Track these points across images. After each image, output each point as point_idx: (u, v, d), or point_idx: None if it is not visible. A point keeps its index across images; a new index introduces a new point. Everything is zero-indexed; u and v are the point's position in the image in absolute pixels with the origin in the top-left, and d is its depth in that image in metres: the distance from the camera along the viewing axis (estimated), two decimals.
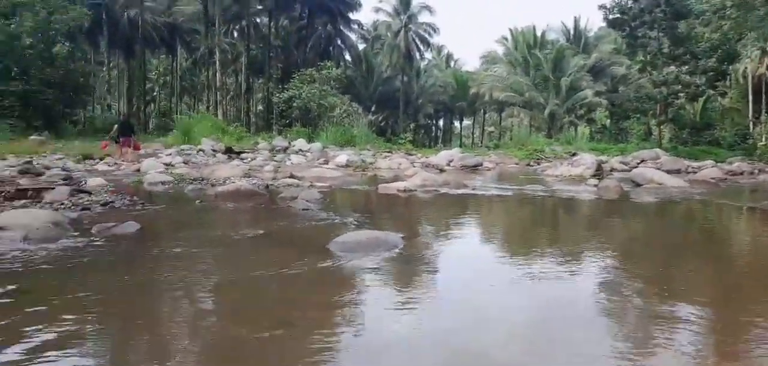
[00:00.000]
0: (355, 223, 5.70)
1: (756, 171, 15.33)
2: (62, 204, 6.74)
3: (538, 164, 18.43)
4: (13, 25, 28.51)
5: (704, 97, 32.94)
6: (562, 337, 2.54)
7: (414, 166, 15.67)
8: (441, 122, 71.82)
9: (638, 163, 18.15)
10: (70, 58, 31.97)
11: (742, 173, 14.77)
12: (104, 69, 44.18)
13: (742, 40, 29.10)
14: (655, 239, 5.72)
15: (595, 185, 10.01)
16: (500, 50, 56.73)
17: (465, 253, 4.58)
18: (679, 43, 30.45)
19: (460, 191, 9.13)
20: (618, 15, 33.76)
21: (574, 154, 19.87)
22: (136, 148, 16.60)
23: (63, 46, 31.57)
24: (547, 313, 2.90)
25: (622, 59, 46.94)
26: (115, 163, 14.33)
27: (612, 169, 14.83)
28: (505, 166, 17.78)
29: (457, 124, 75.61)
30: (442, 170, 14.70)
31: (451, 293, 3.31)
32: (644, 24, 33.02)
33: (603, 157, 16.94)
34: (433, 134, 68.64)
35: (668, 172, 12.06)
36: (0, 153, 15.92)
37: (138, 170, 12.58)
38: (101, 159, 15.18)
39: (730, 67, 31.39)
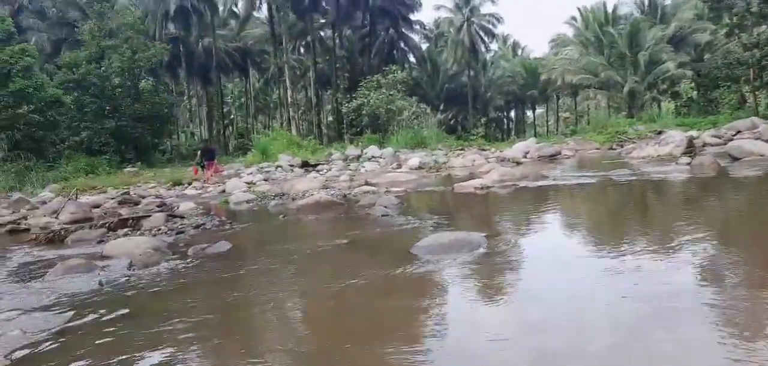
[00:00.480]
0: (435, 224, 5.66)
1: None
2: (159, 229, 7.22)
3: (621, 147, 17.51)
4: (103, 68, 30.97)
5: None
6: (671, 336, 2.37)
7: (489, 162, 15.38)
8: (513, 113, 70.20)
9: (734, 135, 16.80)
10: (155, 91, 34.30)
11: None
12: (185, 98, 46.99)
13: None
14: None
15: (688, 163, 9.35)
16: (570, 32, 54.63)
17: (553, 247, 4.41)
18: None
19: (539, 183, 8.84)
20: None
21: (659, 133, 18.75)
22: (218, 170, 17.60)
23: (147, 82, 33.96)
24: (655, 308, 2.71)
25: (706, 25, 43.69)
26: (202, 187, 15.14)
27: (704, 145, 13.82)
28: (585, 153, 17.05)
29: (529, 113, 73.58)
30: (518, 163, 14.33)
31: (545, 292, 3.19)
32: None
33: (693, 133, 15.81)
34: (506, 127, 67.18)
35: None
36: (101, 187, 17.34)
37: (223, 191, 13.22)
38: (189, 184, 16.10)
39: None
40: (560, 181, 8.92)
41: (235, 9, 49.33)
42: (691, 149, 11.52)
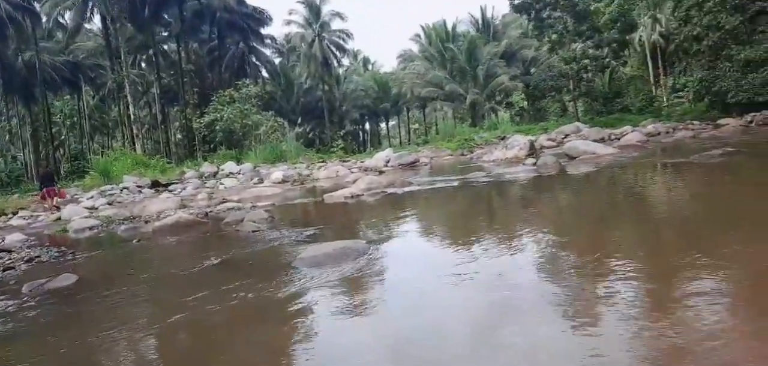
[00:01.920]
0: (312, 236, 5.47)
1: (671, 130, 16.40)
2: None
3: (472, 153, 18.81)
4: None
5: (610, 69, 35.00)
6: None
7: (353, 172, 15.52)
8: (367, 126, 72.07)
9: (563, 138, 18.97)
10: None
11: (658, 134, 15.76)
12: (3, 118, 40.75)
13: (636, 10, 31.25)
14: (623, 202, 5.91)
15: (534, 164, 10.28)
16: (415, 48, 57.69)
17: (435, 249, 4.47)
18: (582, 19, 32.20)
19: (406, 189, 9.07)
20: (523, 0, 35.25)
21: (503, 138, 20.48)
22: (62, 195, 16.23)
23: None
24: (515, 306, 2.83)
25: (531, 42, 49.03)
26: (31, 215, 13.16)
27: (541, 147, 15.36)
28: (440, 159, 17.99)
29: (382, 126, 76.21)
30: (381, 172, 14.64)
31: (427, 299, 3.19)
32: (548, 6, 34.69)
33: (531, 137, 17.54)
34: (361, 139, 68.74)
35: (594, 142, 12.62)
36: None
37: (58, 219, 11.60)
38: (14, 213, 13.90)
39: (629, 36, 33.56)
40: (425, 186, 9.25)
41: (61, 20, 44.07)
42: (533, 151, 12.72)
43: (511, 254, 3.80)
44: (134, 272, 4.89)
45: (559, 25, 33.43)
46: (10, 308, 3.90)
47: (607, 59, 32.38)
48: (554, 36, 34.01)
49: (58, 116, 50.69)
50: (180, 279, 4.27)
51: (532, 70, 49.32)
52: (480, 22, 53.93)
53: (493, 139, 22.12)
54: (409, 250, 4.35)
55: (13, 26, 36.51)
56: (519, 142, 13.16)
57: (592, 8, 31.86)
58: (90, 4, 38.37)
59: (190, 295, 3.82)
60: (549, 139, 17.32)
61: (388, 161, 16.83)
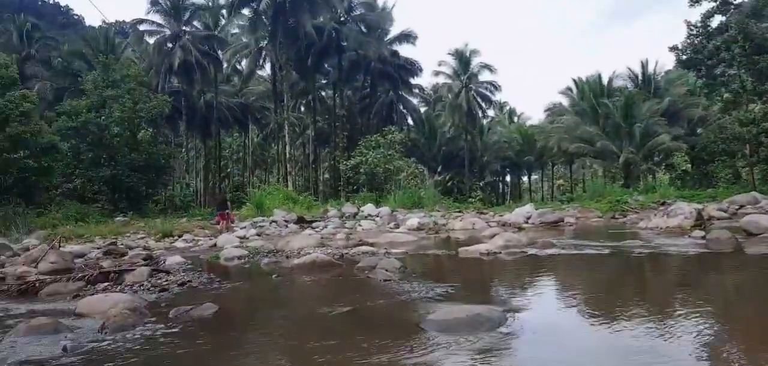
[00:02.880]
0: (444, 294, 5.17)
1: None
2: (142, 285, 6.68)
3: (625, 217, 17.15)
4: (102, 117, 30.81)
5: None
6: None
7: (490, 226, 14.96)
8: (507, 178, 70.32)
9: (737, 210, 16.53)
10: (153, 142, 34.02)
11: None
12: (183, 150, 46.77)
13: None
14: None
15: (703, 237, 8.95)
16: (565, 101, 55.42)
17: (584, 329, 3.88)
18: (765, 77, 28.31)
19: (549, 252, 8.38)
20: (692, 55, 32.11)
21: (662, 204, 18.44)
22: (232, 219, 18.40)
23: (146, 132, 33.71)
24: None
25: (698, 101, 44.55)
26: (193, 239, 14.60)
27: (709, 218, 13.45)
28: (587, 221, 16.66)
29: (524, 179, 73.83)
30: (520, 228, 13.91)
31: None
32: (722, 62, 31.18)
33: (697, 206, 15.53)
34: (501, 191, 67.17)
35: None
36: (89, 236, 16.73)
37: (214, 245, 12.68)
38: (180, 235, 15.55)
39: None
40: (570, 250, 8.46)
41: (238, 66, 49.92)
42: (700, 222, 11.15)
43: (669, 342, 3.14)
44: (268, 311, 4.99)
45: (735, 83, 29.78)
46: (156, 332, 4.14)
47: None
48: (728, 95, 30.34)
49: (227, 151, 56.99)
50: (310, 325, 4.22)
51: (699, 130, 44.60)
52: (640, 77, 50.44)
53: (651, 204, 20.00)
54: (552, 327, 3.82)
55: (199, 71, 42.08)
56: (684, 210, 11.64)
57: None
58: (263, 52, 42.92)
59: (317, 343, 3.73)
60: (719, 209, 15.17)
61: (529, 218, 15.99)
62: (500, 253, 8.28)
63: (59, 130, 29.84)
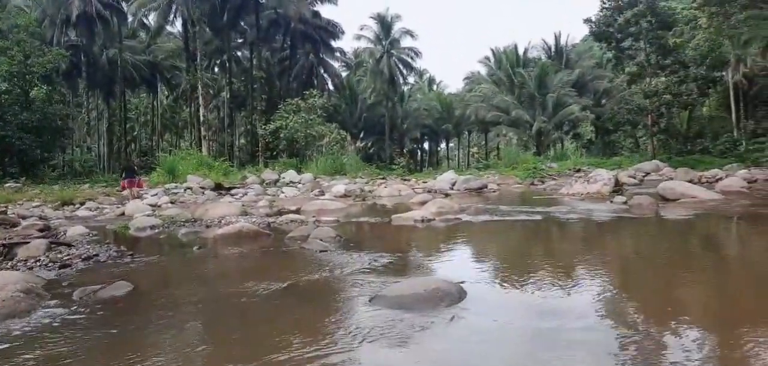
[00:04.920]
0: (389, 266, 4.84)
1: None
2: (38, 261, 5.80)
3: (542, 183, 17.76)
4: None
5: (690, 107, 32.79)
6: None
7: (416, 193, 14.89)
8: (426, 145, 71.42)
9: (643, 177, 17.62)
10: (48, 101, 30.83)
11: (755, 180, 14.22)
12: (83, 111, 42.95)
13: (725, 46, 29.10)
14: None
15: (625, 203, 9.28)
16: (483, 70, 56.85)
17: (550, 299, 3.65)
18: (667, 53, 30.38)
19: (482, 218, 8.31)
20: (604, 28, 33.77)
21: (577, 170, 19.29)
22: (140, 185, 17.16)
23: (40, 90, 30.45)
24: None
25: (604, 73, 47.29)
26: (98, 207, 13.31)
27: (623, 184, 14.16)
28: (508, 187, 17.06)
29: (441, 147, 75.30)
30: (446, 195, 13.92)
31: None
32: (630, 36, 33.06)
33: (613, 172, 16.33)
34: (419, 158, 68.14)
35: (690, 183, 11.38)
36: None
37: (123, 214, 11.59)
38: (82, 203, 14.14)
39: (718, 73, 31.32)
40: (506, 217, 8.44)
41: (145, 20, 46.27)
42: (618, 188, 11.64)
43: (645, 321, 3.01)
44: (192, 289, 4.40)
45: (641, 56, 31.72)
46: (56, 319, 3.47)
47: (693, 96, 30.27)
48: (635, 68, 32.29)
49: (133, 113, 53.15)
50: (242, 305, 3.71)
51: (604, 101, 47.42)
52: (553, 49, 52.59)
53: (566, 171, 20.91)
54: (516, 302, 3.56)
55: (101, 23, 38.53)
56: (603, 176, 12.09)
57: (678, 41, 29.94)
58: (173, 6, 39.95)
59: (252, 329, 3.27)
60: (629, 176, 16.05)
61: (453, 184, 16.09)
62: (434, 220, 8.09)
63: None
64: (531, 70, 45.83)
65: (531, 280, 4.07)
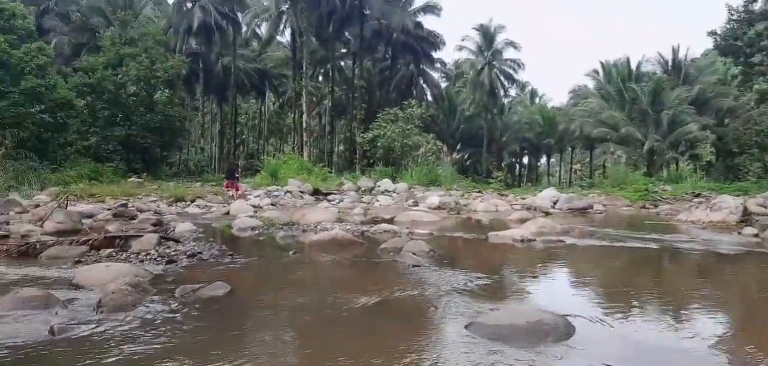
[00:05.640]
0: (486, 289, 4.55)
1: None
2: (148, 254, 6.17)
3: (655, 207, 16.35)
4: (119, 75, 30.38)
5: None
6: None
7: (514, 209, 14.30)
8: (525, 160, 69.09)
9: None
10: (169, 103, 33.61)
11: None
12: (198, 114, 46.36)
13: None
14: None
15: (756, 235, 8.21)
16: (591, 84, 54.06)
17: (676, 344, 3.19)
18: None
19: (589, 242, 7.70)
20: (731, 42, 30.74)
21: (696, 195, 17.60)
22: (237, 188, 18.13)
23: (163, 93, 33.30)
24: None
25: (729, 90, 43.03)
26: (206, 206, 14.15)
27: (752, 214, 12.64)
28: (616, 209, 15.90)
29: (541, 162, 72.51)
30: (547, 214, 13.21)
31: None
32: (761, 50, 29.81)
33: (740, 200, 14.66)
34: (518, 173, 66.07)
35: None
36: (100, 195, 16.37)
37: (227, 213, 12.19)
38: (192, 201, 15.11)
39: None
40: (613, 243, 7.76)
41: (258, 30, 49.15)
42: (747, 218, 10.38)
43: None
44: (286, 296, 4.40)
45: None
46: (158, 315, 3.58)
47: None
48: (766, 85, 29.04)
49: (243, 117, 56.57)
50: (334, 318, 3.62)
51: (727, 121, 43.18)
52: (670, 63, 48.81)
53: (683, 194, 19.15)
54: (632, 344, 3.12)
55: (218, 33, 41.41)
56: (728, 204, 10.83)
57: None
58: (284, 17, 42.06)
59: (343, 344, 3.14)
60: (759, 205, 14.31)
61: (555, 202, 15.28)
62: (534, 240, 7.63)
63: (75, 87, 29.52)
64: (644, 85, 42.85)
65: (648, 319, 3.60)
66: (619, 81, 45.61)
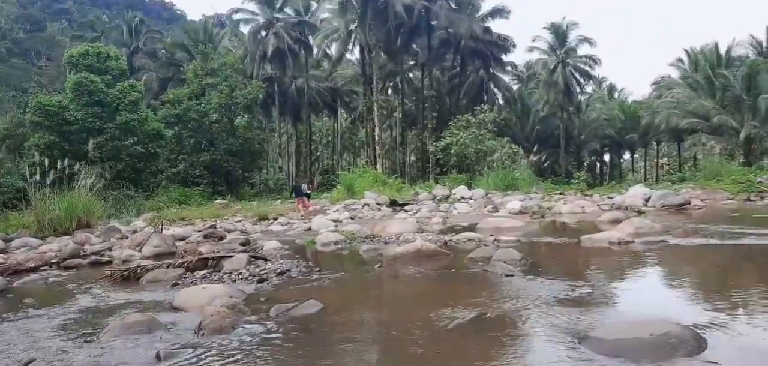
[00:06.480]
0: (591, 298, 4.23)
1: None
2: (240, 274, 6.31)
3: (762, 199, 14.94)
4: (202, 104, 32.13)
5: None
6: None
7: (602, 210, 13.53)
8: (606, 157, 65.89)
9: None
10: (248, 127, 35.13)
11: None
12: (276, 134, 48.06)
13: None
14: None
15: None
16: (675, 74, 50.87)
17: None
18: None
19: (696, 241, 7.07)
20: None
21: None
22: (305, 206, 18.49)
23: (242, 118, 34.85)
24: None
25: None
26: (288, 222, 14.48)
27: None
28: (716, 203, 14.66)
29: (624, 158, 68.83)
30: (639, 212, 12.38)
31: None
32: None
33: None
34: (599, 171, 63.10)
35: None
36: (190, 218, 17.23)
37: (309, 229, 12.39)
38: (275, 219, 15.53)
39: None
40: (723, 240, 7.08)
41: (328, 51, 50.44)
42: None
43: None
44: (378, 312, 4.32)
45: None
46: (256, 337, 3.59)
47: None
48: None
49: (317, 135, 58.07)
50: (430, 335, 3.46)
51: None
52: (764, 44, 45.01)
53: None
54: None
55: (291, 57, 42.86)
56: None
57: None
58: (353, 35, 42.88)
59: (445, 364, 2.99)
60: None
61: (647, 199, 14.31)
62: (633, 242, 7.10)
63: (164, 118, 31.53)
64: (736, 70, 39.74)
65: None
66: (707, 68, 42.65)
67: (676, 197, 13.73)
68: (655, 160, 64.60)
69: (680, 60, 48.59)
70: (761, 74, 37.24)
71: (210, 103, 32.24)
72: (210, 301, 4.46)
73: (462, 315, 3.80)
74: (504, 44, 45.26)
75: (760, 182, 18.04)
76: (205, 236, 11.80)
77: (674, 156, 60.93)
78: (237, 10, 43.93)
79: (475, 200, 19.56)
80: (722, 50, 45.09)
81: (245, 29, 45.40)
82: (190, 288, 5.43)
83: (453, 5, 42.09)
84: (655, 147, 62.23)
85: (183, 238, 11.29)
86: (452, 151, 33.06)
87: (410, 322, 3.80)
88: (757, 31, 70.08)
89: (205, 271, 6.70)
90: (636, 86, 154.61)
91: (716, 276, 5.42)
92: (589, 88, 54.89)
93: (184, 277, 6.43)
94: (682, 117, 42.04)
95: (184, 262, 7.13)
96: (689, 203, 13.48)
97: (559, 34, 46.58)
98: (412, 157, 52.73)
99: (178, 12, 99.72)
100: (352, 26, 41.85)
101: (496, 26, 45.34)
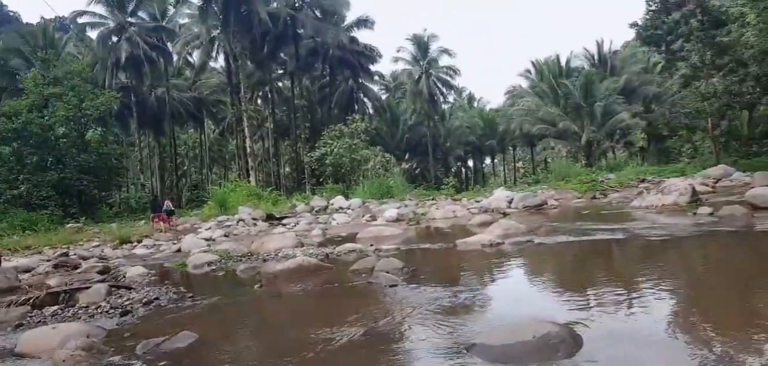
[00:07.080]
0: (473, 302, 4.35)
1: None
2: (99, 308, 5.61)
3: (605, 196, 16.83)
4: (45, 117, 28.60)
5: (751, 108, 30.70)
6: None
7: (472, 213, 14.32)
8: (470, 163, 70.41)
9: (714, 183, 16.46)
10: (103, 142, 31.93)
11: None
12: (135, 149, 44.38)
13: None
14: None
15: (711, 214, 8.47)
16: (525, 83, 55.82)
17: (682, 347, 3.04)
18: (723, 52, 28.67)
19: (558, 239, 7.69)
20: (652, 31, 32.42)
21: (641, 180, 18.26)
22: (164, 221, 18.10)
23: (95, 132, 31.57)
24: None
25: (653, 77, 45.50)
26: (154, 245, 13.37)
27: (698, 194, 13.15)
28: (568, 202, 16.23)
29: (486, 163, 74.12)
30: (504, 214, 13.28)
31: None
32: (680, 37, 31.52)
33: (690, 181, 15.24)
34: (464, 176, 67.19)
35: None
36: (37, 246, 15.21)
37: (179, 250, 11.52)
38: (139, 242, 14.26)
39: None
40: (581, 237, 7.78)
41: (189, 58, 47.73)
42: (696, 198, 10.76)
43: None
44: (261, 338, 4.05)
45: (694, 57, 30.12)
46: None
47: (755, 95, 28.34)
48: (689, 70, 30.70)
49: (182, 148, 54.64)
50: (320, 358, 3.30)
51: (654, 107, 45.64)
52: (596, 57, 51.26)
53: (628, 181, 19.85)
54: (646, 351, 2.96)
55: (149, 65, 39.85)
56: (678, 186, 11.20)
57: (732, 38, 28.14)
58: (216, 42, 41.00)
59: None
60: (700, 184, 14.96)
61: (510, 202, 15.43)
62: (503, 243, 7.54)
63: None
64: (575, 80, 44.62)
65: (653, 318, 3.48)
66: (551, 78, 47.30)
67: (535, 198, 14.96)
68: (513, 164, 70.38)
69: (528, 71, 53.43)
70: (595, 84, 42.15)
71: (55, 115, 28.80)
72: (62, 343, 3.86)
73: (350, 332, 3.69)
74: (371, 54, 46.38)
75: (603, 181, 20.36)
76: (56, 266, 10.43)
77: (528, 159, 66.79)
78: (81, 13, 39.49)
79: (353, 210, 19.70)
80: (563, 61, 50.39)
81: (93, 34, 41.28)
82: (38, 328, 4.70)
83: (319, 14, 42.14)
84: (512, 151, 67.80)
85: (28, 270, 9.88)
86: (328, 162, 33.06)
87: (296, 346, 3.60)
88: (589, 44, 79.31)
89: (56, 307, 5.86)
90: (493, 95, 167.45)
91: (579, 271, 5.92)
92: (451, 98, 58.28)
93: (31, 316, 5.58)
94: (533, 123, 46.15)
95: (29, 299, 6.19)
96: (546, 203, 14.76)
97: (421, 45, 48.89)
98: (287, 169, 51.85)
99: (11, 14, 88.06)
100: (215, 33, 40.08)
101: (362, 36, 46.34)
